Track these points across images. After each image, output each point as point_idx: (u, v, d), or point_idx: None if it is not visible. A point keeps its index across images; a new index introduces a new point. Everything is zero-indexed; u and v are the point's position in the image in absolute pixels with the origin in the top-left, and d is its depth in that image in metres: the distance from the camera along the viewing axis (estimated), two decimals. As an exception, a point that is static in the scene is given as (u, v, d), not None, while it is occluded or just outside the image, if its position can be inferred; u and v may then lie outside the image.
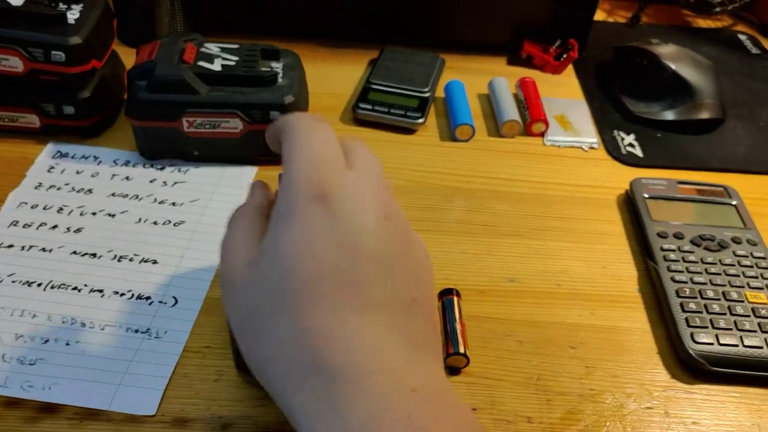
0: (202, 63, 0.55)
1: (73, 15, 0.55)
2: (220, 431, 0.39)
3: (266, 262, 0.30)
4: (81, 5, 0.57)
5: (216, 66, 0.55)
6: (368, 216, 0.30)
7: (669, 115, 0.65)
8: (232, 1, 0.74)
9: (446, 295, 0.46)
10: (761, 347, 0.44)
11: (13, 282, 0.46)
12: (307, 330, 0.28)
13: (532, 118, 0.64)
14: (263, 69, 0.57)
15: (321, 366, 0.27)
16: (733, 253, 0.50)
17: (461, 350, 0.43)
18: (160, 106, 0.54)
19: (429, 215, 0.55)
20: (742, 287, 0.48)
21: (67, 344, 0.43)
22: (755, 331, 0.45)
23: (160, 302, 0.46)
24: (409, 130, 0.64)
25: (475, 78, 0.71)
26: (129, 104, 0.55)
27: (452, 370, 0.43)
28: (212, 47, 0.58)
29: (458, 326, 0.44)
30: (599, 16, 0.86)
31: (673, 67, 0.65)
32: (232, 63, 0.56)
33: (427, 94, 0.65)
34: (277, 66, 0.58)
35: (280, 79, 0.56)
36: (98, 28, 0.56)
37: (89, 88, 0.57)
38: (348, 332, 0.28)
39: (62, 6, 0.56)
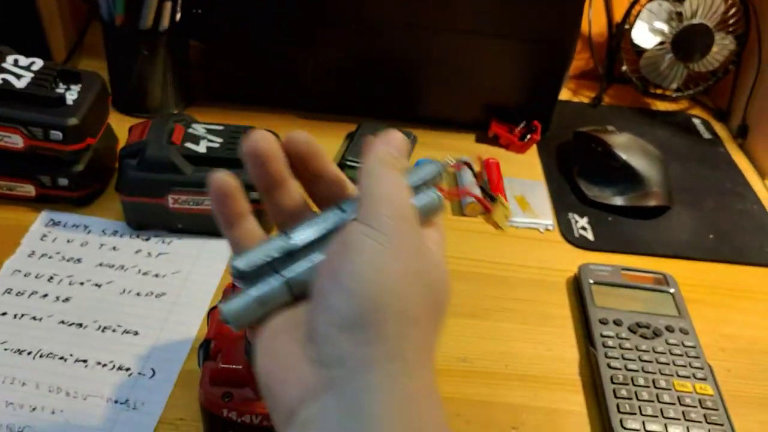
0: (188, 144, 0.60)
1: (71, 96, 0.60)
2: (188, 501, 0.43)
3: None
4: (79, 86, 0.62)
5: (201, 148, 0.60)
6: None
7: (619, 201, 0.71)
8: (219, 77, 0.79)
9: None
10: (683, 434, 0.49)
11: (6, 350, 0.50)
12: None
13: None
14: (245, 151, 0.61)
15: None
16: (666, 341, 0.55)
17: None
18: (148, 184, 0.59)
19: (392, 293, 0.59)
20: (671, 375, 0.53)
21: (53, 413, 0.47)
22: (679, 419, 0.50)
23: (140, 374, 0.50)
24: (379, 207, 0.68)
25: (444, 155, 0.76)
26: (119, 181, 0.60)
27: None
28: (199, 128, 0.63)
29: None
30: (565, 95, 0.92)
31: (624, 157, 0.71)
32: (216, 145, 0.61)
33: (398, 173, 0.70)
34: (259, 147, 0.63)
35: (260, 161, 0.61)
36: (94, 108, 0.61)
37: (83, 162, 0.61)
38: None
39: (62, 86, 0.61)
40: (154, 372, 0.50)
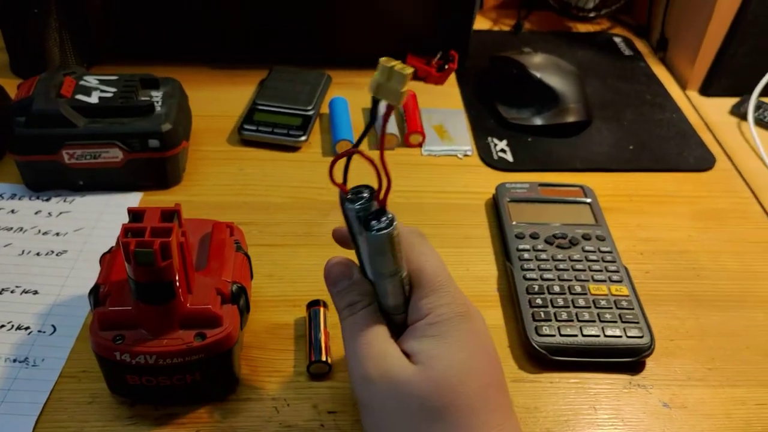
0: (79, 96, 0.58)
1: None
2: (90, 451, 0.42)
3: (433, 375, 0.34)
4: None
5: (93, 98, 0.58)
6: (485, 325, 0.38)
7: (538, 120, 0.70)
8: (122, 31, 0.76)
9: (313, 306, 0.50)
10: (598, 335, 0.48)
11: None
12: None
13: (409, 129, 0.67)
14: (142, 99, 0.59)
15: None
16: (582, 249, 0.55)
17: (323, 358, 0.46)
18: (39, 141, 0.56)
19: (305, 230, 0.58)
20: (587, 281, 0.52)
21: (-55, 378, 0.45)
22: (594, 321, 0.49)
23: (39, 331, 0.48)
24: (293, 148, 0.67)
25: (361, 92, 0.74)
26: (9, 140, 0.57)
27: (315, 377, 0.46)
28: (91, 80, 0.60)
29: (322, 335, 0.48)
30: (485, 25, 0.90)
31: (538, 75, 0.70)
32: (110, 95, 0.58)
33: (310, 112, 0.69)
34: (157, 95, 0.60)
35: (158, 108, 0.59)
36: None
37: (-29, 126, 0.58)
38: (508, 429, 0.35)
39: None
40: (54, 328, 0.49)
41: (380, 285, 0.37)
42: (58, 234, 0.56)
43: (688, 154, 0.69)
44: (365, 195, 0.36)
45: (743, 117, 0.74)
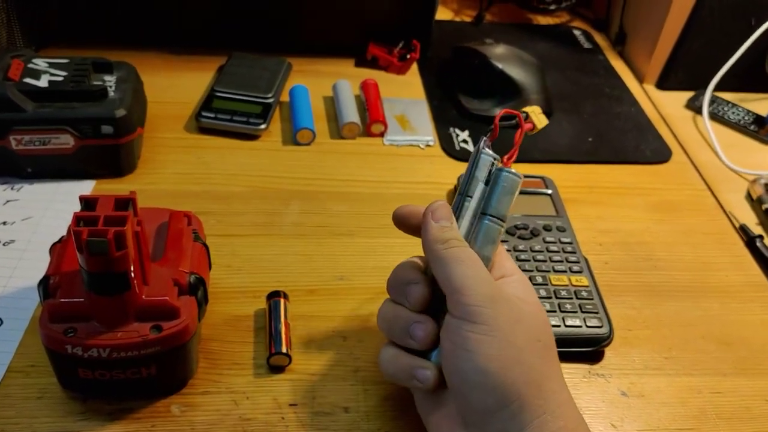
0: (28, 80, 0.55)
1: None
2: (40, 448, 0.40)
3: (544, 318, 0.39)
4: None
5: (42, 82, 0.55)
6: None
7: (499, 111, 0.70)
8: (74, 12, 0.73)
9: (273, 297, 0.49)
10: (559, 326, 0.49)
11: None
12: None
13: (371, 119, 0.67)
14: (94, 83, 0.57)
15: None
16: (543, 240, 0.55)
17: (283, 350, 0.45)
18: (-15, 125, 0.54)
19: (265, 220, 0.57)
20: (548, 271, 0.52)
21: None
22: (555, 312, 0.49)
23: (-15, 324, 0.46)
24: (252, 136, 0.65)
25: (322, 81, 0.73)
26: (-48, 124, 0.54)
27: (275, 369, 0.45)
28: (40, 63, 0.57)
29: (282, 327, 0.47)
30: (446, 15, 0.90)
31: (500, 66, 0.70)
32: (60, 78, 0.56)
33: (270, 100, 0.67)
34: (110, 79, 0.58)
35: (112, 93, 0.57)
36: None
37: None
38: None
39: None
40: (1, 321, 0.47)
41: (488, 231, 0.40)
42: (5, 223, 0.54)
43: (645, 146, 0.70)
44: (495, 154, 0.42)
45: (698, 111, 0.76)
